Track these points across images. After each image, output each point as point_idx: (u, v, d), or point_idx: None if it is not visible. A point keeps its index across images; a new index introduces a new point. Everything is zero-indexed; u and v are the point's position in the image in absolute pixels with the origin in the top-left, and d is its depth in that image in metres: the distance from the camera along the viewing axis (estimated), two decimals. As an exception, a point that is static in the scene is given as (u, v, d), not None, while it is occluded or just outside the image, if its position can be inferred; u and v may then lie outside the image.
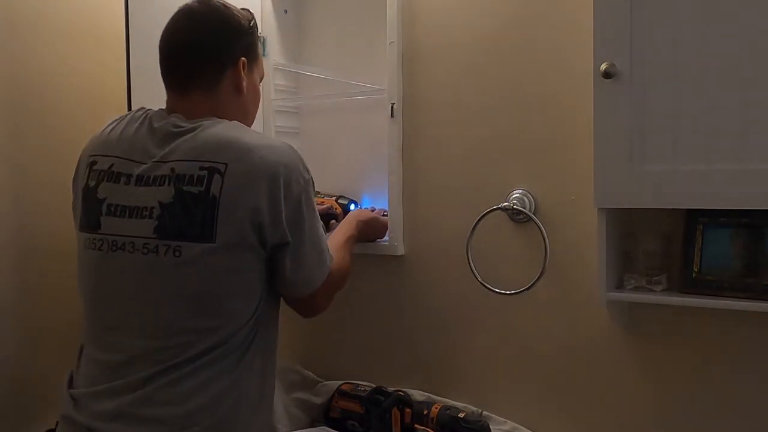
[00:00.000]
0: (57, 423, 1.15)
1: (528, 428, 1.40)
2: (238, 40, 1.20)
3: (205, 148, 1.08)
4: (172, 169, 1.08)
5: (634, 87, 1.12)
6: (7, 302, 1.56)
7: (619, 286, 1.24)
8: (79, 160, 1.21)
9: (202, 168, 1.06)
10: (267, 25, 1.68)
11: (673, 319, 1.26)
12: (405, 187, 1.56)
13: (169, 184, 1.08)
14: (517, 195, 1.40)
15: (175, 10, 1.21)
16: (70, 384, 1.16)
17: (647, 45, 1.11)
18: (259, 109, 1.33)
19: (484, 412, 1.44)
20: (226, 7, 1.21)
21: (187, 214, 1.06)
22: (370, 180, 1.66)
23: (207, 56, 1.18)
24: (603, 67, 1.12)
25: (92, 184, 1.15)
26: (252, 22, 1.25)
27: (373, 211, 1.61)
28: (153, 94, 1.44)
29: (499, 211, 1.39)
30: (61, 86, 1.64)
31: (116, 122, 1.20)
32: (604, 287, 1.19)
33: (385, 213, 1.59)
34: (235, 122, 1.16)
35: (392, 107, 1.54)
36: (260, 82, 1.30)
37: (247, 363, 1.12)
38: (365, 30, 1.66)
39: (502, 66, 1.42)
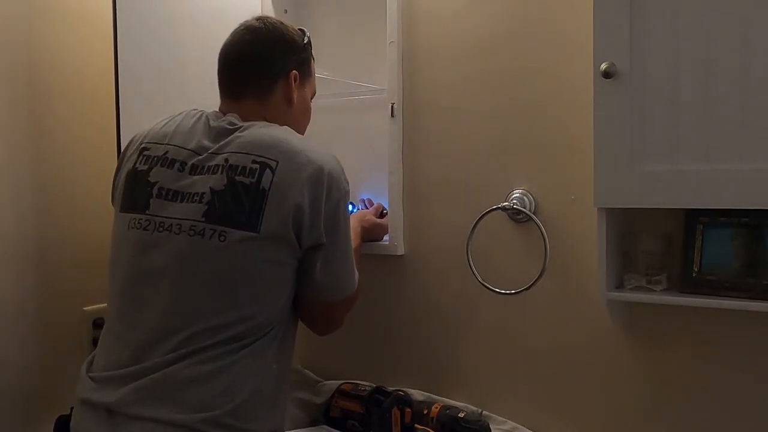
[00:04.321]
0: (71, 409, 1.15)
1: (528, 428, 1.40)
2: (291, 54, 1.28)
3: (257, 144, 1.14)
4: (226, 160, 1.14)
5: (634, 87, 1.12)
6: (23, 300, 1.56)
7: (619, 286, 1.24)
8: (126, 149, 1.27)
9: (254, 162, 1.12)
10: (267, 25, 1.68)
11: (673, 319, 1.26)
12: (405, 187, 1.56)
13: (222, 173, 1.13)
14: (517, 195, 1.40)
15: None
16: (89, 368, 1.16)
17: (647, 45, 1.11)
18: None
19: (484, 412, 1.44)
20: (283, 25, 1.30)
21: (237, 202, 1.11)
22: (370, 180, 1.66)
23: (260, 66, 1.25)
24: (603, 67, 1.12)
25: (143, 168, 1.19)
26: (306, 41, 1.32)
27: (371, 206, 1.63)
28: (140, 90, 1.45)
29: (499, 211, 1.39)
30: (73, 80, 1.64)
31: (169, 118, 1.26)
32: (604, 287, 1.19)
33: (385, 210, 1.60)
34: (286, 126, 1.23)
35: (392, 107, 1.54)
36: (311, 98, 1.36)
37: (269, 355, 1.14)
38: (365, 30, 1.66)
39: (503, 65, 1.42)
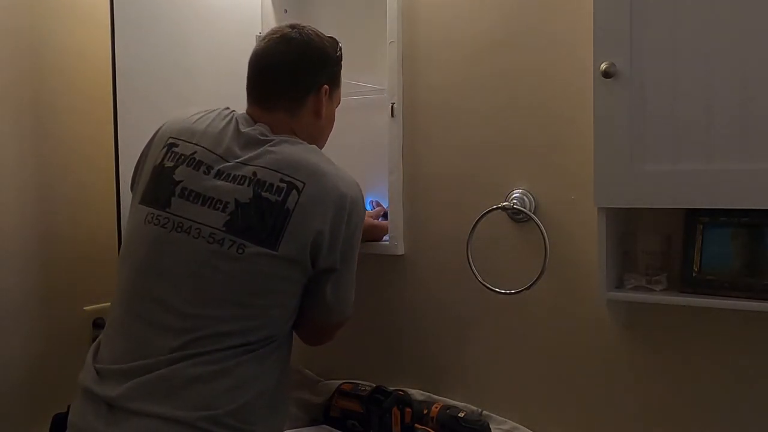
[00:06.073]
0: (68, 407, 1.16)
1: (528, 428, 1.40)
2: (324, 68, 1.29)
3: (286, 163, 1.16)
4: (254, 173, 1.14)
5: (634, 87, 1.12)
6: (24, 299, 1.56)
7: (619, 285, 1.24)
8: (153, 138, 1.26)
9: (282, 180, 1.13)
10: (267, 24, 1.68)
11: (673, 319, 1.26)
12: (405, 187, 1.56)
13: (248, 185, 1.14)
14: (517, 195, 1.40)
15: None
16: (95, 356, 1.17)
17: (647, 45, 1.11)
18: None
19: (484, 412, 1.44)
20: (317, 35, 1.29)
21: (260, 218, 1.12)
22: (370, 180, 1.66)
23: (294, 80, 1.26)
24: (603, 67, 1.12)
25: (169, 164, 1.19)
26: (339, 52, 1.33)
27: (376, 206, 1.64)
28: (138, 88, 1.45)
29: (499, 210, 1.39)
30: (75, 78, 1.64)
31: (202, 114, 1.26)
32: (604, 287, 1.19)
33: (386, 212, 1.60)
34: (314, 146, 1.25)
35: (392, 107, 1.54)
36: (336, 107, 1.37)
37: (273, 361, 1.16)
38: (365, 30, 1.66)
39: (503, 65, 1.42)
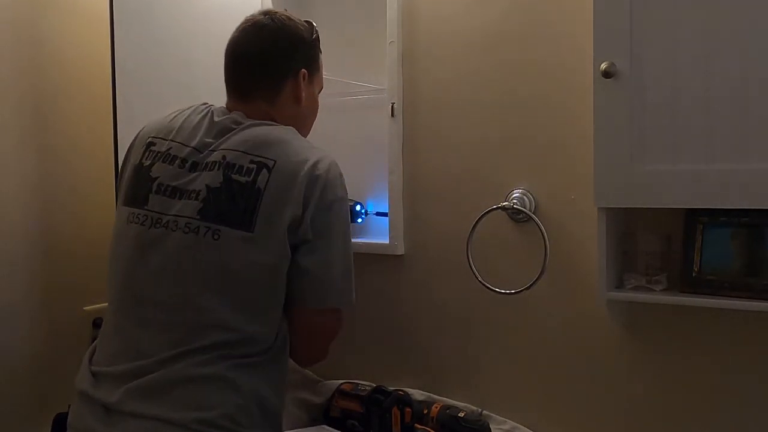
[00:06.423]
0: (69, 407, 1.15)
1: (528, 428, 1.40)
2: (300, 52, 1.26)
3: (255, 142, 1.14)
4: (224, 157, 1.13)
5: (634, 87, 1.12)
6: (24, 299, 1.56)
7: (619, 285, 1.24)
8: (135, 140, 1.26)
9: (252, 162, 1.12)
10: (267, 24, 1.68)
11: (673, 319, 1.26)
12: (405, 187, 1.56)
13: (218, 169, 1.12)
14: (517, 194, 1.40)
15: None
16: (91, 358, 1.16)
17: (647, 45, 1.11)
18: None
19: (484, 412, 1.44)
20: (290, 20, 1.27)
21: (232, 201, 1.10)
22: (370, 180, 1.66)
23: (270, 67, 1.23)
24: (603, 67, 1.12)
25: (147, 163, 1.18)
26: (315, 35, 1.30)
27: None
28: (136, 84, 1.45)
29: (499, 210, 1.39)
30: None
31: (178, 112, 1.25)
32: (604, 287, 1.19)
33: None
34: (289, 127, 1.21)
35: (392, 107, 1.55)
36: (318, 93, 1.34)
37: (264, 365, 1.13)
38: (365, 30, 1.66)
39: (502, 65, 1.42)
